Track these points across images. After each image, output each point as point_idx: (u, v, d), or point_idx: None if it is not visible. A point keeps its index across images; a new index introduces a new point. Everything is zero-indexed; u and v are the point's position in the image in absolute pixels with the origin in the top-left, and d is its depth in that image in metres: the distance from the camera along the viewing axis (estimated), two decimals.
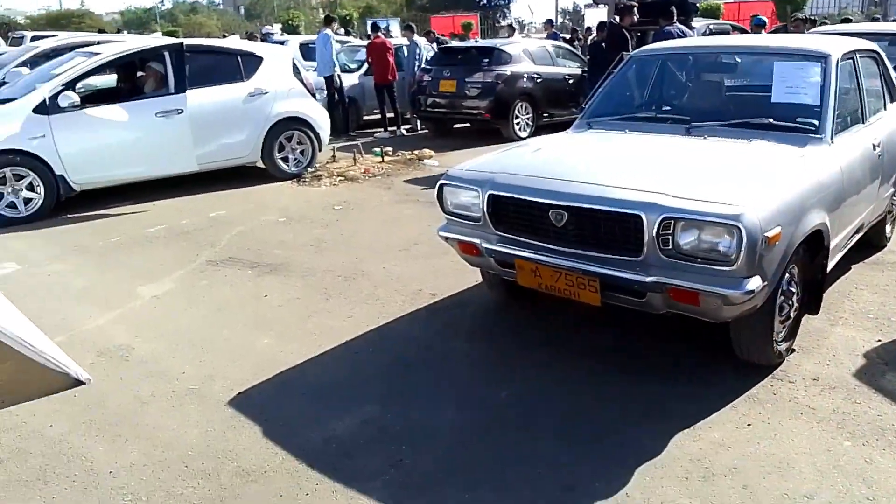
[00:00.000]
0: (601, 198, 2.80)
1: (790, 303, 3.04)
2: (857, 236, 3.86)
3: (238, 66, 7.15)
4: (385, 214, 6.05)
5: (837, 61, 3.60)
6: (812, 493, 2.25)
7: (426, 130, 11.12)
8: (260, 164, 7.41)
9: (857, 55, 3.93)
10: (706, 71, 4.21)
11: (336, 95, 10.30)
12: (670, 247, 2.66)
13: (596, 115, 4.01)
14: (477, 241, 3.24)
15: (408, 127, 11.18)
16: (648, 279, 2.71)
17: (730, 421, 2.68)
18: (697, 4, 7.82)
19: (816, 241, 3.07)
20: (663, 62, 4.23)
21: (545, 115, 10.42)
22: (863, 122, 3.82)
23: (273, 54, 7.57)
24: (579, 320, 3.57)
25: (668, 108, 4.08)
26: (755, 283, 2.59)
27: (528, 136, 10.05)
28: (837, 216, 3.26)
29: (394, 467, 2.46)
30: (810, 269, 3.14)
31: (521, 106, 10.05)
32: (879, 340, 3.34)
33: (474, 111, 9.90)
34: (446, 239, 3.45)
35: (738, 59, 4.07)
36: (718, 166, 3.06)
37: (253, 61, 7.27)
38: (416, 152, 8.56)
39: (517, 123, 10.03)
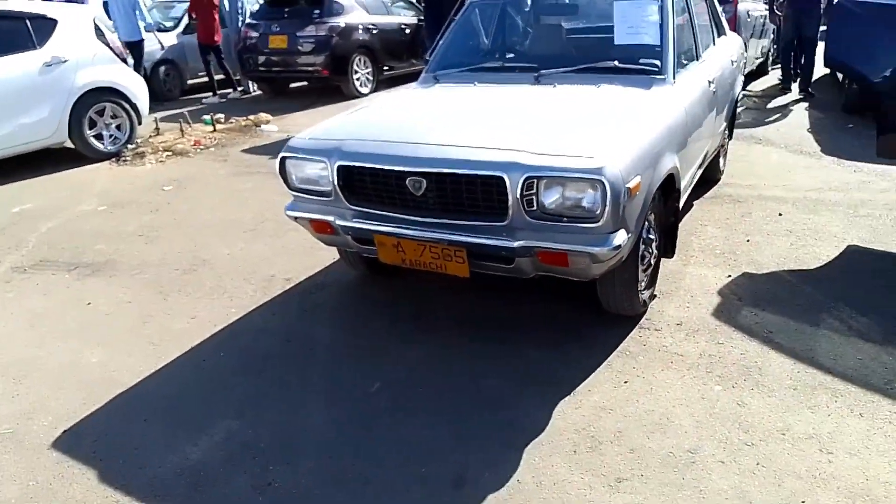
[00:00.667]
0: (461, 160, 2.59)
1: (650, 250, 3.04)
2: (699, 173, 3.98)
3: (27, 32, 6.11)
4: (223, 191, 5.51)
5: None
6: (695, 447, 2.24)
7: (259, 92, 10.40)
8: (69, 145, 6.50)
9: None
10: (548, 14, 4.09)
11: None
12: (535, 207, 2.52)
13: (442, 68, 3.77)
14: (330, 218, 2.93)
15: (241, 89, 10.38)
16: (516, 244, 2.56)
17: (607, 381, 2.63)
18: None
19: (669, 184, 3.07)
20: (503, 7, 4.05)
21: (385, 68, 10.05)
22: (697, 60, 3.89)
23: (69, 15, 6.56)
24: (448, 291, 3.40)
25: (515, 55, 3.93)
26: (621, 237, 2.52)
27: (371, 92, 9.70)
28: (684, 156, 3.28)
29: (262, 491, 2.16)
30: (664, 213, 3.16)
31: (360, 60, 9.61)
32: (730, 276, 3.46)
33: (310, 68, 9.30)
34: (296, 219, 3.10)
35: (579, 1, 3.98)
36: (573, 116, 2.95)
37: (45, 25, 6.25)
38: (251, 117, 7.94)
39: (357, 79, 9.59)
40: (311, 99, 9.58)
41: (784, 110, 7.47)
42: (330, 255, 3.89)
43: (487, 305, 3.26)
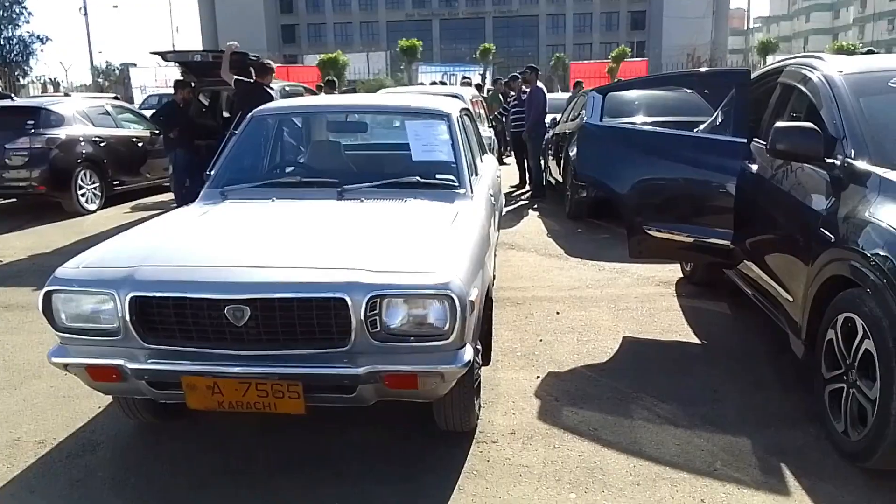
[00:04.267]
0: (293, 283, 2.31)
1: (478, 361, 3.00)
2: None
3: None
4: None
5: (458, 118, 3.79)
6: None
7: None
8: None
9: (463, 113, 4.23)
10: (337, 131, 4.04)
11: None
12: (378, 329, 2.32)
13: (229, 183, 3.45)
14: (119, 362, 2.38)
15: None
16: (360, 370, 2.32)
17: None
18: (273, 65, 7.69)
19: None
20: (289, 121, 3.91)
21: (116, 182, 9.13)
22: (477, 174, 4.11)
23: None
24: (259, 430, 2.95)
25: (310, 170, 3.77)
26: (469, 353, 2.43)
27: (99, 208, 8.72)
28: (490, 265, 3.38)
29: None
30: (482, 322, 3.16)
31: (85, 174, 8.60)
32: (538, 377, 3.56)
33: (23, 183, 8.11)
34: (65, 366, 2.47)
35: (370, 119, 4.00)
36: (393, 232, 2.86)
37: None
38: None
39: (82, 195, 8.54)
40: (22, 219, 8.25)
41: (519, 218, 8.28)
42: (92, 403, 3.19)
43: (312, 443, 2.88)
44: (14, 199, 8.98)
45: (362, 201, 3.23)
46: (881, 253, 2.45)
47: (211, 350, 2.36)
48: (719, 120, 4.26)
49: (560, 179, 8.85)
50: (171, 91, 8.63)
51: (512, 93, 11.43)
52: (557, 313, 4.57)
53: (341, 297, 2.27)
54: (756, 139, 3.86)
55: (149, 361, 2.39)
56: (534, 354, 3.86)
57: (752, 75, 4.23)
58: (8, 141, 8.00)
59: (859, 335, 2.55)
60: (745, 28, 73.53)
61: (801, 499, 2.47)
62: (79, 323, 2.44)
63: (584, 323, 4.38)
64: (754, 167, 3.72)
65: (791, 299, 3.17)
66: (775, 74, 4.10)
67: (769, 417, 3.06)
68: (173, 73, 11.24)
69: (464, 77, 18.14)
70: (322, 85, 12.88)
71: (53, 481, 2.64)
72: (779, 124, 3.29)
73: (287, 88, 9.35)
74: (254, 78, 7.08)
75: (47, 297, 2.42)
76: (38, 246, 6.80)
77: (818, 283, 2.83)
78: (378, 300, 2.30)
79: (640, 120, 6.53)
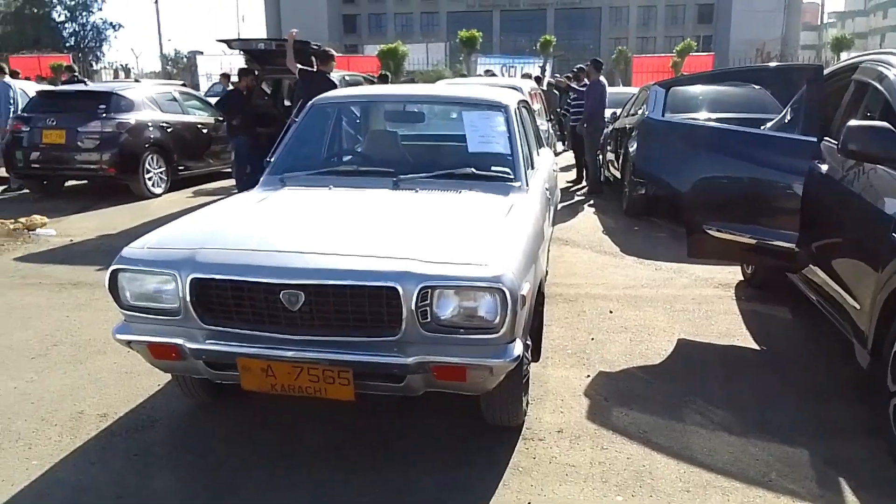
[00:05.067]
0: (347, 270, 2.34)
1: (527, 357, 2.97)
2: None
3: None
4: None
5: (515, 110, 3.76)
6: None
7: (26, 191, 9.11)
8: None
9: (521, 105, 4.20)
10: (395, 120, 4.06)
11: None
12: (429, 319, 2.33)
13: (288, 170, 3.51)
14: (178, 341, 2.46)
15: (18, 184, 9.00)
16: (410, 360, 2.33)
17: None
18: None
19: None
20: (348, 110, 3.95)
21: (181, 168, 9.40)
22: (533, 168, 4.07)
23: None
24: (310, 414, 3.01)
25: (367, 159, 3.80)
26: (518, 347, 2.41)
27: (164, 192, 9.00)
28: (543, 260, 3.34)
29: None
30: (533, 317, 3.14)
31: (152, 158, 8.88)
32: (588, 376, 3.51)
33: (94, 166, 8.40)
34: (129, 343, 2.57)
35: (427, 109, 4.01)
36: (447, 223, 2.85)
37: None
38: (21, 220, 6.83)
39: (149, 178, 8.83)
40: (94, 199, 8.59)
41: (574, 214, 8.18)
42: (152, 381, 3.30)
43: (359, 428, 2.93)
44: (85, 181, 9.35)
45: (417, 191, 3.23)
46: None
47: (266, 333, 2.41)
48: (788, 118, 4.10)
49: (618, 175, 8.69)
50: (237, 78, 8.83)
51: (574, 84, 11.21)
52: (611, 312, 4.50)
53: (393, 286, 2.28)
54: (827, 138, 3.71)
55: (207, 342, 2.46)
56: (585, 353, 3.81)
57: (825, 72, 4.05)
58: (81, 124, 8.32)
59: None
60: (819, 23, 70.58)
61: None
62: (142, 302, 2.53)
63: (637, 323, 4.30)
64: (824, 167, 3.57)
65: (858, 307, 3.04)
66: (849, 71, 3.92)
67: (828, 428, 2.95)
68: (238, 61, 11.51)
69: (524, 73, 17.98)
70: (375, 78, 12.93)
71: (113, 454, 2.75)
72: (852, 123, 3.14)
73: (347, 78, 9.46)
74: (316, 66, 7.17)
75: (114, 276, 2.52)
76: (105, 227, 7.07)
77: (888, 291, 2.70)
78: (429, 291, 2.30)
79: (704, 116, 6.35)
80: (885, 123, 3.03)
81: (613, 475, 2.63)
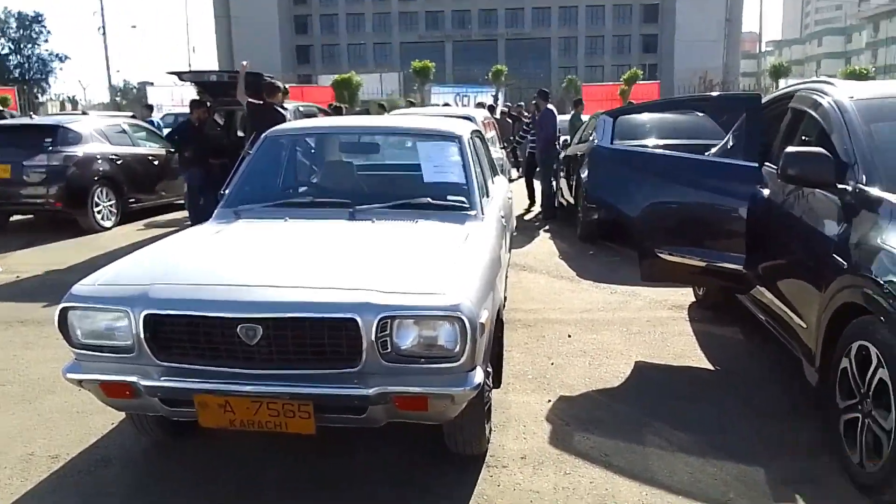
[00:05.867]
0: (305, 303, 2.33)
1: (488, 384, 2.99)
2: None
3: None
4: None
5: (469, 140, 3.82)
6: None
7: None
8: None
9: (475, 135, 4.26)
10: (348, 151, 4.08)
11: None
12: (389, 350, 2.33)
13: (243, 202, 3.48)
14: (132, 379, 2.40)
15: None
16: (371, 391, 2.32)
17: None
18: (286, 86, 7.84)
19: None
20: (302, 142, 3.95)
21: (132, 200, 9.23)
22: (488, 196, 4.13)
23: None
24: (268, 449, 2.95)
25: (322, 191, 3.80)
26: (479, 375, 2.43)
27: (114, 226, 8.81)
28: (501, 286, 3.38)
29: None
30: (493, 343, 3.16)
31: (101, 191, 8.70)
32: (549, 401, 3.54)
33: (40, 200, 8.21)
34: (80, 382, 2.50)
35: (382, 140, 4.04)
36: (404, 253, 2.87)
37: None
38: None
39: (98, 212, 8.64)
40: (40, 234, 8.35)
41: (530, 239, 8.28)
42: (105, 419, 3.21)
43: (318, 463, 2.88)
44: (31, 216, 9.09)
45: (374, 222, 3.25)
46: (894, 280, 2.43)
47: (223, 369, 2.37)
48: (731, 144, 4.27)
49: (572, 201, 8.86)
50: (187, 110, 8.75)
51: (526, 114, 11.43)
52: (569, 336, 4.55)
53: (352, 317, 2.28)
54: (767, 163, 3.86)
55: (162, 379, 2.41)
56: (545, 378, 3.84)
57: (764, 100, 4.24)
58: (26, 158, 8.11)
59: (874, 364, 2.53)
60: (758, 52, 73.75)
61: None
62: (94, 339, 2.47)
63: (595, 346, 4.36)
64: (766, 192, 3.71)
65: (804, 326, 3.15)
66: (786, 99, 4.10)
67: (783, 446, 3.03)
68: (189, 92, 11.41)
69: (478, 103, 18.27)
70: (328, 109, 12.92)
71: (66, 496, 2.65)
72: (790, 149, 3.29)
73: (301, 109, 9.46)
74: (263, 99, 7.17)
75: (63, 314, 2.45)
76: (53, 262, 6.86)
77: (831, 310, 2.81)
78: (389, 321, 2.31)
79: (651, 143, 6.54)
80: (821, 149, 3.18)
81: (577, 500, 2.64)
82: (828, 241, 2.98)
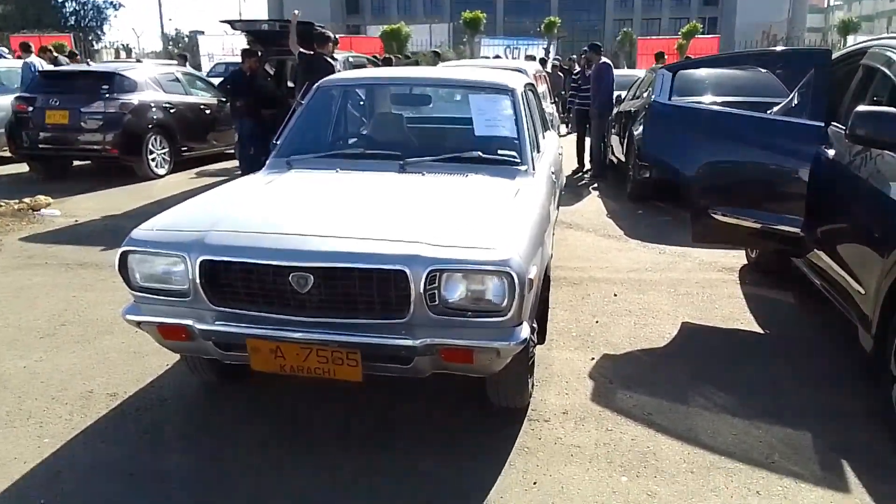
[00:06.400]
0: (355, 253, 2.35)
1: (533, 339, 3.00)
2: None
3: None
4: (4, 288, 4.57)
5: (522, 94, 3.75)
6: None
7: (31, 172, 9.10)
8: None
9: (527, 88, 4.18)
10: (402, 103, 4.05)
11: None
12: (437, 302, 2.35)
13: (295, 153, 3.51)
14: (188, 322, 2.48)
15: None
16: (418, 342, 2.35)
17: (516, 484, 2.47)
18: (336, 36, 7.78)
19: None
20: (354, 93, 3.94)
21: (184, 149, 9.39)
22: (539, 151, 4.07)
23: None
24: (315, 394, 3.04)
25: (373, 142, 3.80)
26: (525, 330, 2.43)
27: (167, 173, 9.00)
28: (549, 243, 3.35)
29: None
30: (539, 300, 3.15)
31: (156, 139, 8.87)
32: (593, 358, 3.54)
33: (97, 147, 8.40)
34: (138, 324, 2.59)
35: (433, 92, 4.00)
36: (454, 207, 2.86)
37: None
38: (26, 201, 6.84)
39: (153, 159, 8.82)
40: (97, 180, 8.58)
41: (578, 198, 8.16)
42: (161, 361, 3.33)
43: (363, 409, 2.95)
44: (88, 162, 9.35)
45: (424, 175, 3.24)
46: None
47: (275, 315, 2.43)
48: (795, 102, 4.08)
49: (622, 159, 8.67)
50: (238, 59, 8.79)
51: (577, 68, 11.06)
52: (615, 295, 4.52)
53: (401, 269, 2.30)
54: (834, 123, 3.70)
55: (216, 323, 2.48)
56: (589, 336, 3.84)
57: (833, 56, 4.03)
58: (84, 105, 8.30)
59: None
60: (825, 6, 69.96)
61: (860, 497, 2.41)
62: (152, 283, 2.55)
63: (641, 306, 4.32)
64: (831, 153, 3.56)
65: (863, 292, 3.05)
66: (858, 56, 3.90)
67: (832, 412, 2.98)
68: (240, 41, 11.44)
69: (528, 55, 17.87)
70: (377, 60, 12.80)
71: (124, 433, 2.79)
72: (860, 108, 3.13)
73: (351, 59, 9.40)
74: (314, 49, 7.13)
75: (123, 257, 2.53)
76: (109, 208, 7.08)
77: (893, 276, 2.72)
78: (437, 274, 2.32)
79: (710, 100, 6.32)
80: (893, 109, 3.03)
81: (618, 456, 2.66)
82: (894, 205, 2.85)
